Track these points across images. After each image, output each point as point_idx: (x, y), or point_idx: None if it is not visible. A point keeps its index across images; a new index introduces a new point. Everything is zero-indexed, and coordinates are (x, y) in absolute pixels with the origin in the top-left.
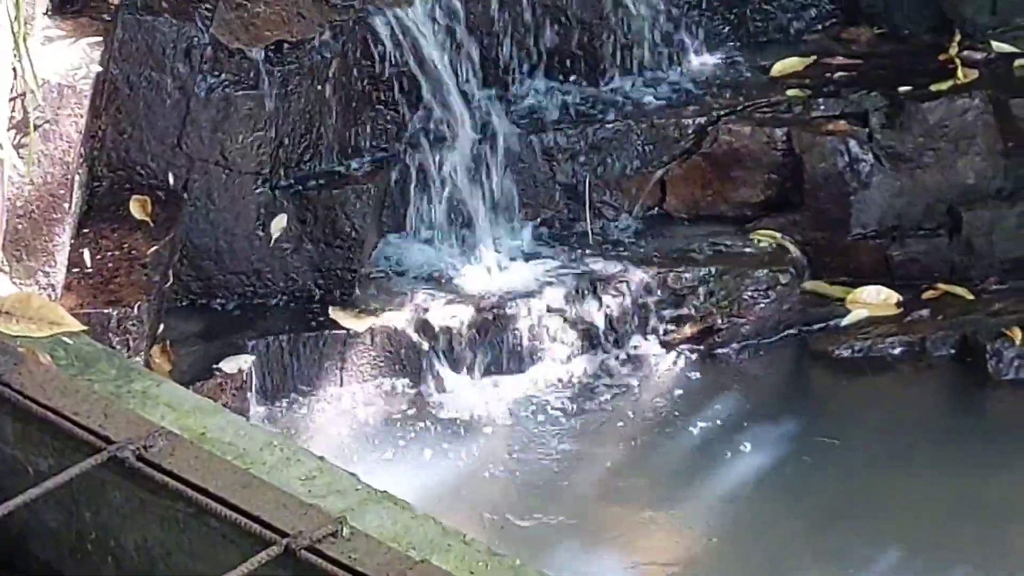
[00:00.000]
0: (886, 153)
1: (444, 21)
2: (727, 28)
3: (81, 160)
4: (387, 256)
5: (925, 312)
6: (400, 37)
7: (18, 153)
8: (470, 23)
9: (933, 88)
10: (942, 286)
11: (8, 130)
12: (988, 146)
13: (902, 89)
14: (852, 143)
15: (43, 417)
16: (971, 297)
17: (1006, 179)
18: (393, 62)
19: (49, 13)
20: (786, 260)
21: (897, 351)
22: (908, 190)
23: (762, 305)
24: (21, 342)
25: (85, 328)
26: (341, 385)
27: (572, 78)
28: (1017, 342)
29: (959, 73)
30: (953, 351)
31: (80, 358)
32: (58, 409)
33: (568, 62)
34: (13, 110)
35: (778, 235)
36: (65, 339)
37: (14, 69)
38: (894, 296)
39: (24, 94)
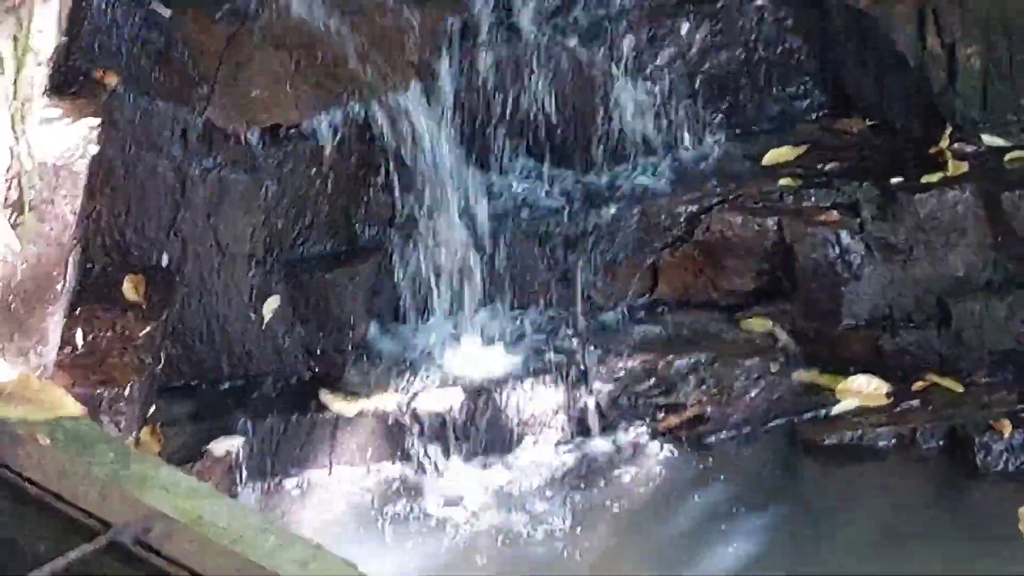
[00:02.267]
0: (877, 244)
1: (439, 106)
2: (719, 117)
3: (76, 241)
4: (378, 339)
5: (915, 403)
6: (395, 121)
7: (14, 233)
8: (464, 109)
9: (924, 180)
10: (932, 377)
11: (4, 209)
12: (979, 239)
13: (893, 181)
14: (843, 233)
15: (41, 499)
16: (961, 389)
17: (996, 272)
18: (387, 146)
19: (47, 94)
20: (777, 349)
21: (887, 442)
22: (899, 281)
23: (752, 394)
24: (21, 424)
25: (84, 411)
26: (330, 468)
27: (565, 164)
28: (1006, 435)
29: (950, 166)
30: (942, 443)
31: (79, 440)
32: (57, 491)
33: (561, 148)
34: (9, 189)
35: (769, 324)
36: (65, 422)
37: (11, 149)
38: (884, 386)
39: (20, 174)
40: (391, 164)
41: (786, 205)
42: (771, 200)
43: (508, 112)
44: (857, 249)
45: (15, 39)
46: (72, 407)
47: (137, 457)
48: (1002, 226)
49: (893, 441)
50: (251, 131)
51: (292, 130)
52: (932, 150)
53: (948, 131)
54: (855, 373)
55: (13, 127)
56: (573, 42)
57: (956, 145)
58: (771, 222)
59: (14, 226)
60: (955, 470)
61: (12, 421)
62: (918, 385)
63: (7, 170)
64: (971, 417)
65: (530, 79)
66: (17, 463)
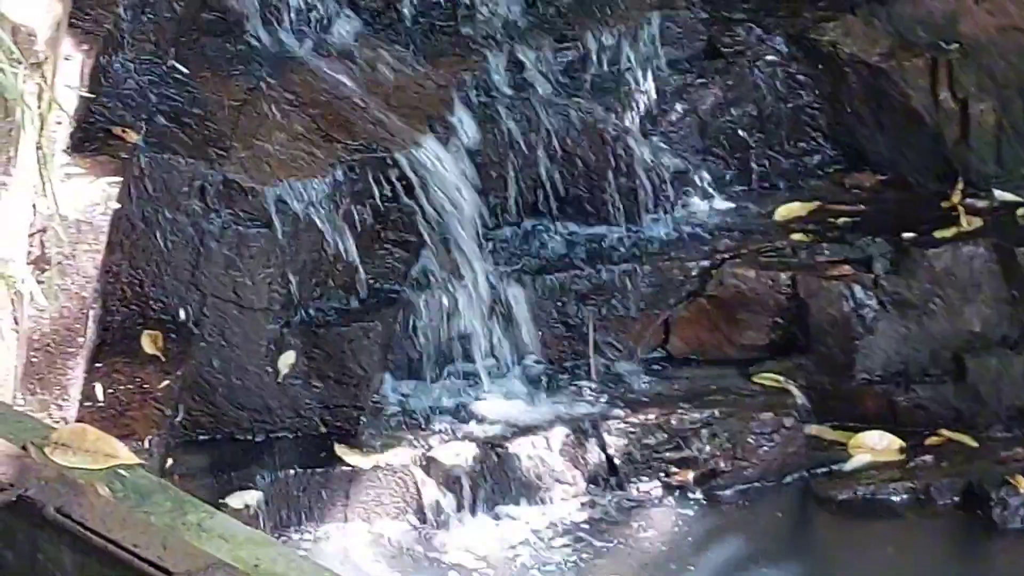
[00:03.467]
0: (891, 299)
1: (453, 161)
2: (731, 172)
3: (97, 295)
4: (393, 393)
5: (929, 458)
6: (410, 176)
7: (40, 288)
8: (479, 163)
9: (938, 235)
10: (946, 433)
11: (28, 264)
12: (994, 294)
13: (907, 235)
14: (857, 288)
15: (103, 549)
16: (975, 444)
17: (1012, 327)
18: (402, 201)
19: (69, 151)
20: (790, 404)
21: (901, 497)
22: (913, 336)
23: (766, 448)
24: (79, 474)
25: (140, 461)
26: (346, 521)
27: (578, 219)
28: (1022, 490)
29: (963, 221)
30: (957, 498)
31: (136, 490)
32: (118, 541)
33: (575, 203)
34: (32, 245)
35: (782, 379)
36: (121, 471)
37: (34, 205)
38: (897, 442)
39: (44, 229)
40: (406, 219)
41: (799, 260)
42: (784, 255)
43: (522, 167)
44: (871, 304)
45: (39, 96)
46: (128, 457)
47: (193, 506)
48: (1017, 281)
49: (907, 497)
50: (268, 187)
51: (308, 185)
52: (945, 205)
53: (961, 186)
54: (869, 428)
55: (43, 183)
56: (586, 98)
57: (969, 200)
58: (784, 277)
59: (38, 282)
60: (971, 526)
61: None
62: (933, 440)
63: (31, 226)
64: (987, 472)
65: (544, 135)
66: (79, 513)
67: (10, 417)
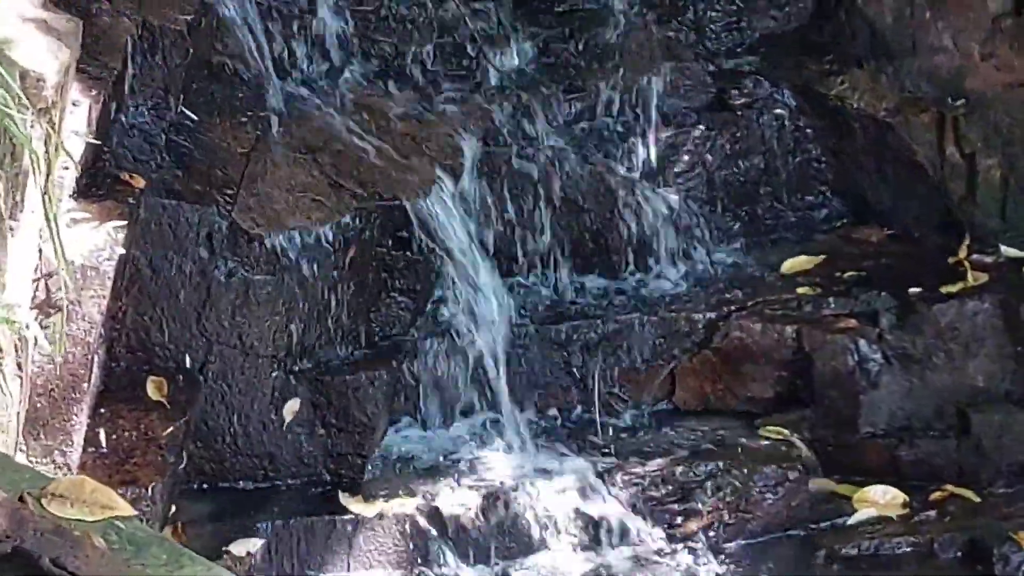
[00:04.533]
0: (896, 353)
1: (460, 211)
2: (738, 225)
3: (102, 340)
4: (398, 442)
5: (933, 513)
6: (416, 226)
7: (44, 333)
8: (486, 214)
9: (943, 290)
10: (950, 488)
11: (32, 310)
12: (998, 349)
13: (912, 290)
14: (862, 342)
15: None
16: (979, 500)
17: (1015, 383)
18: (409, 250)
19: (75, 196)
20: (794, 457)
21: (904, 551)
22: (917, 391)
23: (770, 501)
24: (76, 525)
25: (137, 513)
26: (349, 570)
27: (585, 270)
28: None
29: (969, 276)
30: (960, 553)
31: (132, 542)
32: None
33: (581, 254)
34: (37, 290)
35: (787, 432)
36: (118, 523)
37: (40, 250)
38: (901, 496)
39: (50, 275)
40: (413, 268)
41: (805, 313)
42: (790, 308)
43: (529, 216)
44: (875, 358)
45: (47, 141)
46: (124, 508)
47: (189, 559)
48: (1021, 337)
49: (911, 551)
50: (275, 234)
51: (315, 233)
52: (951, 260)
53: (967, 241)
54: (873, 482)
55: (49, 228)
56: (594, 148)
57: (975, 256)
58: (790, 330)
59: (43, 327)
60: None
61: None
62: (936, 495)
63: (36, 271)
64: (989, 528)
65: (551, 184)
66: (74, 565)
67: (8, 467)
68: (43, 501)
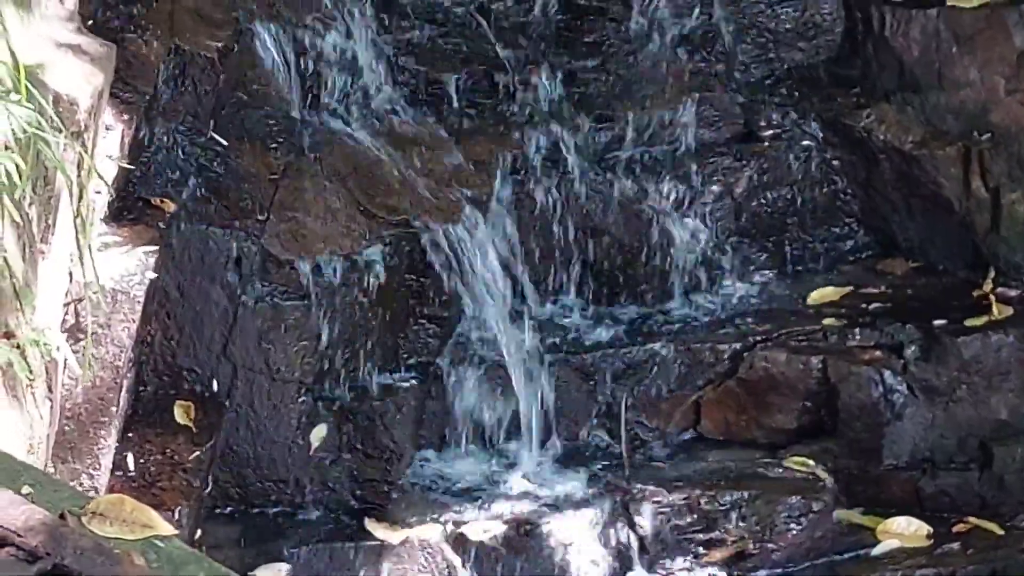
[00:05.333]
0: (920, 386)
1: (489, 238)
2: (764, 256)
3: (130, 364)
4: (424, 468)
5: (955, 545)
6: (446, 252)
7: (75, 357)
8: (515, 241)
9: (968, 323)
10: (972, 520)
11: (62, 333)
12: (1022, 383)
13: (937, 323)
14: (887, 374)
15: None
16: (1001, 532)
17: None
18: (437, 277)
19: (106, 220)
20: (819, 487)
21: None
22: (941, 423)
23: (794, 531)
24: (116, 544)
25: (176, 532)
26: None
27: (612, 299)
28: None
29: (994, 309)
30: None
31: (171, 561)
32: None
33: (608, 283)
34: (67, 314)
35: (811, 462)
36: (157, 542)
37: (70, 273)
38: (924, 528)
39: (81, 299)
40: (441, 294)
41: (830, 344)
42: (815, 339)
43: (558, 245)
44: (900, 390)
45: (79, 165)
46: (164, 527)
47: None
48: None
49: None
50: (304, 259)
51: (345, 259)
52: (976, 293)
53: (992, 275)
54: (896, 514)
55: (80, 253)
56: (623, 178)
57: (1000, 289)
58: (815, 361)
59: (73, 350)
60: None
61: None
62: (959, 527)
63: (67, 294)
64: (1012, 560)
65: (580, 213)
66: None
67: (48, 485)
68: (83, 519)
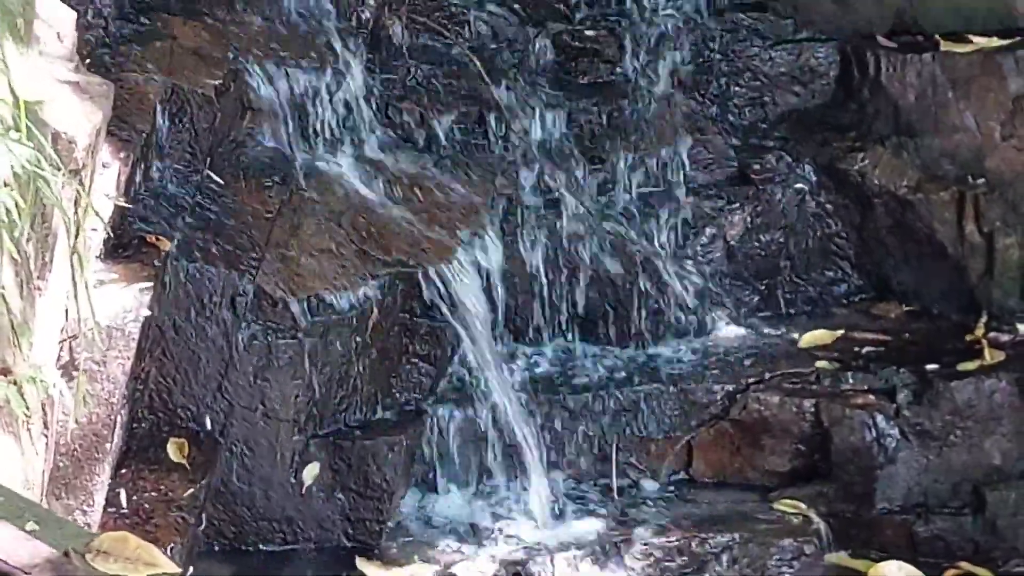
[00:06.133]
0: (913, 430)
1: (482, 278)
2: (757, 298)
3: (125, 401)
4: (416, 508)
5: None
6: (439, 292)
7: (70, 393)
8: (507, 281)
9: (961, 367)
10: (965, 565)
11: (57, 369)
12: (1015, 427)
13: (930, 367)
14: (880, 418)
15: None
16: None
17: None
18: (430, 316)
19: (102, 257)
20: (811, 531)
21: None
22: (934, 467)
23: (786, 575)
24: None
25: (179, 570)
26: None
27: (604, 340)
28: None
29: (986, 354)
30: None
31: None
32: None
33: (601, 324)
34: (62, 350)
35: (803, 505)
36: None
37: (66, 310)
38: (917, 573)
39: (76, 336)
40: (434, 334)
41: (823, 388)
42: (808, 382)
43: (551, 286)
44: (893, 434)
45: (76, 202)
46: (167, 565)
47: None
48: None
49: None
50: (299, 299)
51: (338, 298)
52: (969, 338)
53: (984, 319)
54: (889, 558)
55: (75, 290)
56: (615, 219)
57: (992, 334)
58: (808, 404)
59: (68, 387)
60: None
61: None
62: (951, 573)
63: (62, 331)
64: None
65: (572, 254)
66: None
67: (52, 522)
68: (87, 557)
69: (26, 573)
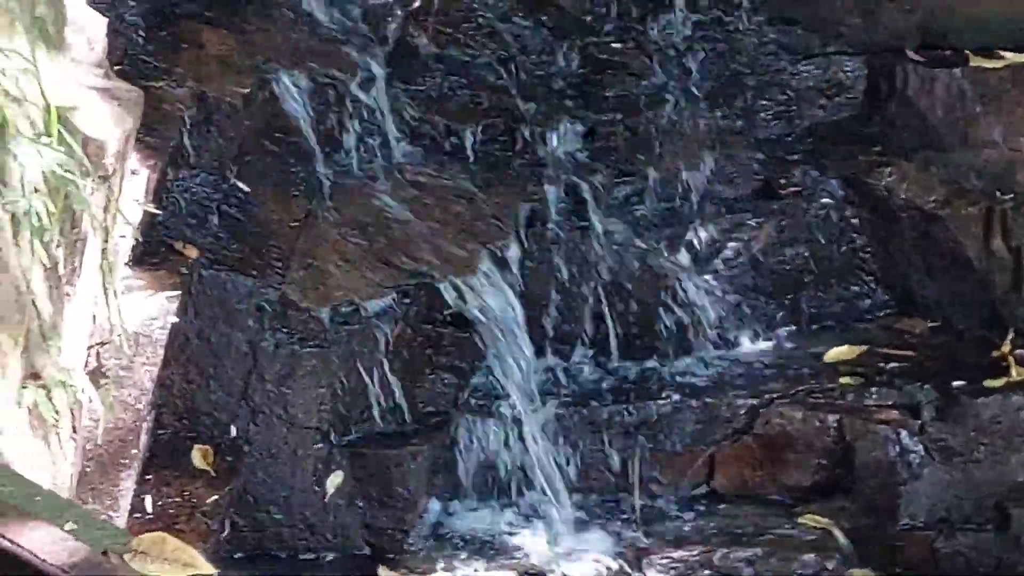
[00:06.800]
0: (937, 446)
1: (505, 291)
2: (781, 313)
3: (151, 407)
4: (437, 518)
5: None
6: (462, 303)
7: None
8: (530, 295)
9: (986, 384)
10: None
11: (85, 374)
12: None
13: (955, 383)
14: (903, 434)
15: None
16: None
17: None
18: (454, 327)
19: (130, 263)
20: (832, 546)
21: None
22: (958, 484)
23: None
24: None
25: (216, 571)
26: None
27: (628, 353)
28: None
29: (1012, 371)
30: None
31: None
32: None
33: (625, 337)
34: (90, 356)
35: (826, 520)
36: None
37: (94, 316)
38: None
39: (104, 342)
40: (458, 345)
41: (847, 403)
42: (832, 397)
43: (573, 299)
44: (916, 450)
45: (105, 208)
46: (204, 567)
47: None
48: None
49: None
50: (323, 307)
51: (362, 308)
52: (994, 354)
53: (1010, 336)
54: (911, 574)
55: (106, 296)
56: (640, 232)
57: (1019, 351)
58: (832, 419)
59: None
60: None
61: None
62: None
63: (90, 336)
64: None
65: (596, 267)
66: None
67: (91, 523)
68: (126, 557)
69: (65, 572)
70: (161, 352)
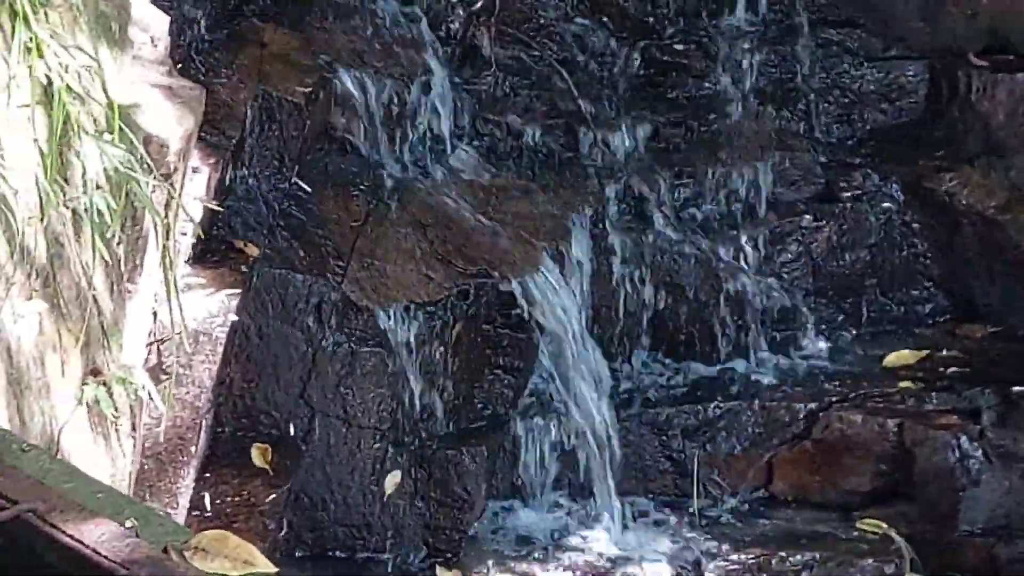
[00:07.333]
0: (997, 452)
1: (566, 290)
2: (841, 316)
3: (210, 405)
4: (495, 518)
5: None
6: (521, 304)
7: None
8: (591, 295)
9: None
10: None
11: (145, 371)
12: None
13: (1015, 388)
14: (963, 439)
15: None
16: None
17: None
18: (513, 328)
19: (190, 261)
20: (891, 551)
21: None
22: (1018, 489)
23: None
24: None
25: (277, 570)
26: None
27: (687, 355)
28: None
29: None
30: None
31: None
32: None
33: (683, 340)
34: (150, 353)
35: (884, 526)
36: None
37: (154, 313)
38: None
39: (164, 339)
40: (517, 345)
41: (907, 408)
42: (892, 402)
43: (633, 300)
44: (976, 455)
45: (167, 205)
46: (265, 564)
47: None
48: None
49: None
50: (383, 307)
51: (423, 308)
52: None
53: None
54: None
55: (168, 293)
56: (701, 234)
57: None
58: (891, 424)
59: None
60: None
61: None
62: None
63: (150, 334)
64: None
65: (657, 269)
66: None
67: (152, 519)
68: (186, 554)
69: (126, 569)
70: (220, 350)
